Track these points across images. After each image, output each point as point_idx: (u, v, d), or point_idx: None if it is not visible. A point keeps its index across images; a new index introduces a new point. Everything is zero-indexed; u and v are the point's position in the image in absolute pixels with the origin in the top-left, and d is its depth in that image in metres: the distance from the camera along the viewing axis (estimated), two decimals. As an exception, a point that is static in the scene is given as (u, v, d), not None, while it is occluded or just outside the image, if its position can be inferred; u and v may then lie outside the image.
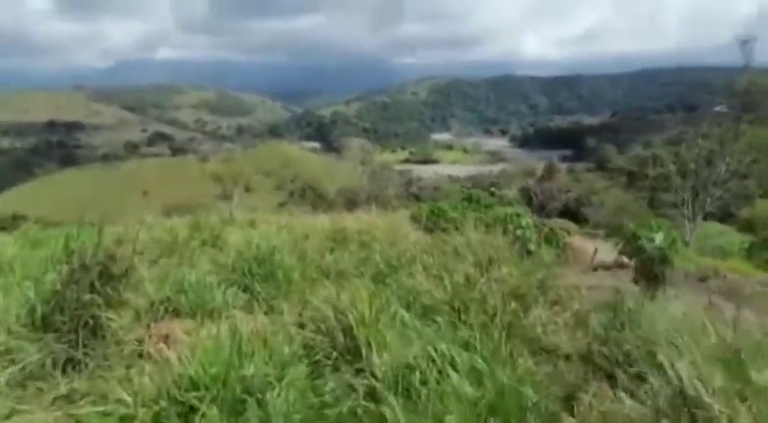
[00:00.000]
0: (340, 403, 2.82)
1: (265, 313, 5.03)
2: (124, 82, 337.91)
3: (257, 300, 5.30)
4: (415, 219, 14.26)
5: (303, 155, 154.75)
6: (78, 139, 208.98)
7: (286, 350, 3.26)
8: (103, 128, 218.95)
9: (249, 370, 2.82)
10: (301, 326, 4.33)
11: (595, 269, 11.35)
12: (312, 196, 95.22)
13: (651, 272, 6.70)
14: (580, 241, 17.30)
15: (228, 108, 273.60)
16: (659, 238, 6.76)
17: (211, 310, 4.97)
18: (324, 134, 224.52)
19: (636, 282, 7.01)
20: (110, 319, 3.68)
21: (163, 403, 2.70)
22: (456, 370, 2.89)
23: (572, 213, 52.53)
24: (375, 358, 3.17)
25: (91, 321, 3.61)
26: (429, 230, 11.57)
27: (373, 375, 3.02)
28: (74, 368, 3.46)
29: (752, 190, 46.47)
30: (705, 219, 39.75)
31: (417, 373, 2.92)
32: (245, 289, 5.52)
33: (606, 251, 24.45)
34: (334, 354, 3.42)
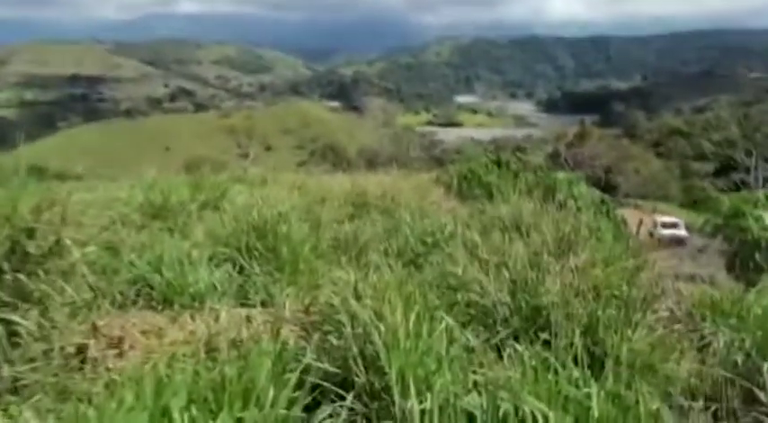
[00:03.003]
0: None
1: (262, 303, 3.88)
2: (144, 36, 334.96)
3: (254, 284, 4.14)
4: (441, 182, 12.99)
5: (324, 114, 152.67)
6: (101, 92, 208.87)
7: (271, 394, 2.06)
8: (125, 82, 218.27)
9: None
10: (305, 330, 3.16)
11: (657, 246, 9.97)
12: (332, 156, 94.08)
13: (752, 258, 5.40)
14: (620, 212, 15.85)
15: (250, 64, 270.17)
16: (768, 217, 5.44)
17: (193, 297, 3.84)
18: (345, 93, 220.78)
19: (729, 269, 5.73)
20: (11, 322, 2.53)
21: None
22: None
23: (599, 181, 50.36)
24: (415, 410, 1.99)
25: (-3, 326, 2.51)
26: (461, 196, 10.30)
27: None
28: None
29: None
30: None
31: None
32: (241, 268, 4.36)
33: (645, 223, 22.89)
34: (349, 399, 2.22)
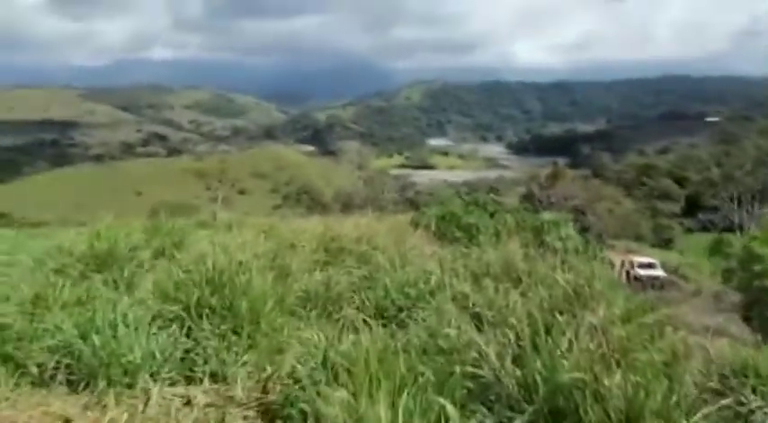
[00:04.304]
0: None
1: (212, 375, 3.17)
2: (117, 81, 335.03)
3: (203, 349, 3.43)
4: (418, 224, 12.49)
5: (299, 158, 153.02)
6: (72, 137, 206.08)
7: None
8: (97, 127, 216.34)
9: None
10: (263, 414, 2.48)
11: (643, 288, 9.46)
12: (307, 200, 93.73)
13: (770, 307, 4.90)
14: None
15: (223, 109, 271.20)
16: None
17: (125, 370, 3.11)
18: (319, 138, 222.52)
19: (746, 320, 5.21)
20: None
21: None
22: None
23: (573, 222, 50.24)
24: None
25: None
26: (441, 239, 9.76)
27: None
28: None
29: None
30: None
31: None
32: (189, 330, 3.65)
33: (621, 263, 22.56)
34: None
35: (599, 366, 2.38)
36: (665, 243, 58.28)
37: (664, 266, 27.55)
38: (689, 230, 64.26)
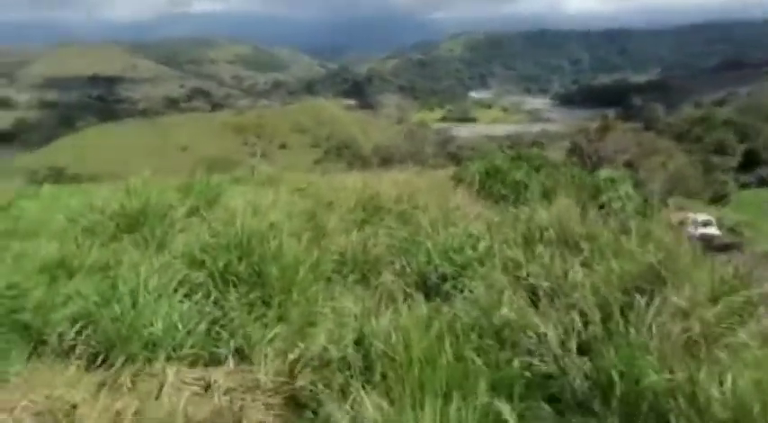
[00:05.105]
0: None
1: (237, 352, 2.90)
2: (159, 36, 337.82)
3: (230, 321, 3.15)
4: (460, 180, 12.00)
5: (339, 112, 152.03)
6: (118, 93, 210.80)
7: None
8: (141, 82, 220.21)
9: None
10: (289, 400, 2.18)
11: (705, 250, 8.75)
12: (348, 154, 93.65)
13: None
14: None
15: (264, 63, 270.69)
16: None
17: (146, 344, 2.87)
18: (360, 91, 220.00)
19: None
20: None
21: None
22: None
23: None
24: None
25: None
26: (485, 197, 9.27)
27: None
28: None
29: None
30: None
31: None
32: (216, 299, 3.38)
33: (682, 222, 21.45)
34: None
35: (692, 362, 1.96)
36: (720, 199, 55.54)
37: (719, 224, 26.09)
38: (744, 186, 61.13)
